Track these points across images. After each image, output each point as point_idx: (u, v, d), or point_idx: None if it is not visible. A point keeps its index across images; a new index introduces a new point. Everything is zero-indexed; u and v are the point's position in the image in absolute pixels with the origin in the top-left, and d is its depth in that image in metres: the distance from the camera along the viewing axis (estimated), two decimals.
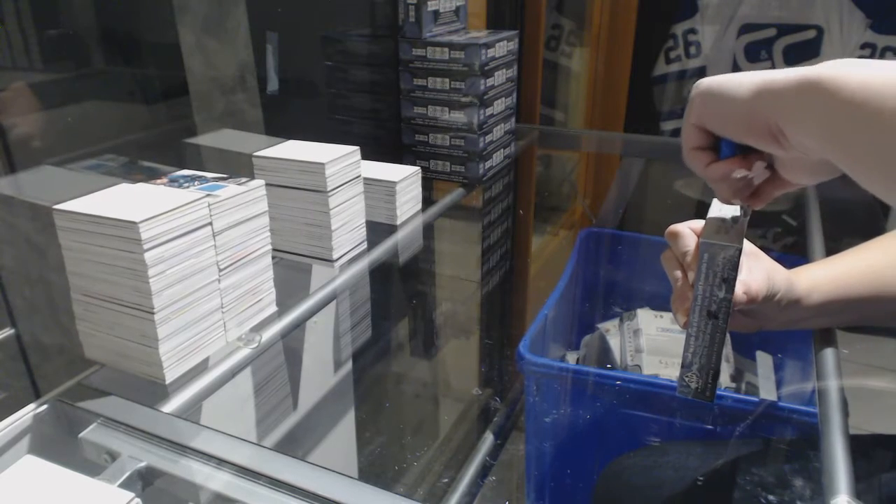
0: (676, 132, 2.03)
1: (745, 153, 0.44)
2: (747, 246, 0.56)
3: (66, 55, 0.70)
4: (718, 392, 0.50)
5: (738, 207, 0.49)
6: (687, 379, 0.50)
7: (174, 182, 0.60)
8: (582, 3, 2.03)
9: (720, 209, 0.49)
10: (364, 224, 0.80)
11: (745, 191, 0.46)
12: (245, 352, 0.61)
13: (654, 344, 1.05)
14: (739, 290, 0.53)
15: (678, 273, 0.54)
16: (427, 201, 0.93)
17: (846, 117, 0.35)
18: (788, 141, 0.39)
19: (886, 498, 0.58)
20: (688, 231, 0.55)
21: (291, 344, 0.79)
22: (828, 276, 0.61)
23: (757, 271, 0.56)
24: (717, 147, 0.45)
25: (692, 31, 1.93)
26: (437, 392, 1.31)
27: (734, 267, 0.47)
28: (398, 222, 0.85)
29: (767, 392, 1.01)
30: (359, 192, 0.77)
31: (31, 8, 0.64)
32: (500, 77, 1.05)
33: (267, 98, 0.91)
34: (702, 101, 0.44)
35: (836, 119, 0.36)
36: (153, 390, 0.55)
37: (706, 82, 0.43)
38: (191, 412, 0.55)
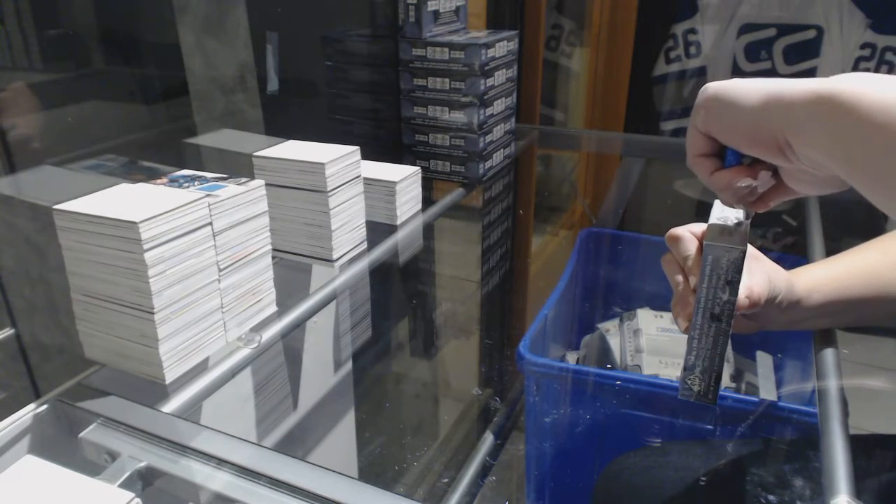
0: (676, 132, 2.03)
1: (751, 162, 0.44)
2: (748, 248, 0.55)
3: (66, 55, 0.70)
4: (719, 392, 0.50)
5: (741, 210, 0.49)
6: (689, 382, 0.50)
7: (174, 182, 0.60)
8: (582, 3, 2.03)
9: (722, 211, 0.49)
10: (364, 224, 0.80)
11: (749, 198, 0.46)
12: (245, 352, 0.61)
13: (654, 344, 1.05)
14: (742, 294, 0.53)
15: (679, 277, 0.54)
16: (427, 201, 0.93)
17: (863, 138, 0.34)
18: (796, 154, 0.39)
19: (886, 498, 0.58)
20: (688, 235, 0.54)
21: (291, 344, 0.79)
22: (828, 276, 0.61)
23: (758, 274, 0.56)
24: (723, 153, 0.45)
25: (692, 31, 1.93)
26: (437, 392, 1.31)
27: (738, 269, 0.47)
28: (398, 222, 0.85)
29: (767, 392, 1.01)
30: (359, 192, 0.77)
31: (31, 8, 0.64)
32: (500, 77, 1.05)
33: (267, 98, 0.91)
34: (708, 108, 0.43)
35: (851, 138, 0.35)
36: (153, 390, 0.55)
37: (713, 88, 0.43)
38: (191, 412, 0.55)
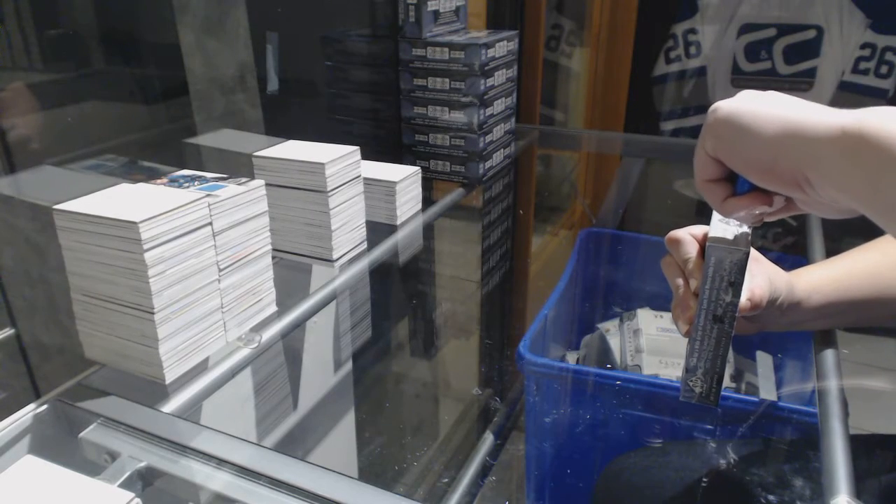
0: (676, 132, 2.03)
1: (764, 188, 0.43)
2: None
3: (66, 55, 0.70)
4: (720, 394, 0.50)
5: None
6: (691, 383, 0.50)
7: (174, 182, 0.60)
8: (582, 3, 2.03)
9: None
10: (364, 224, 0.80)
11: (759, 217, 0.45)
12: (245, 352, 0.61)
13: (654, 344, 1.05)
14: (743, 297, 0.52)
15: (679, 280, 0.53)
16: (427, 201, 0.93)
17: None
18: (814, 189, 0.37)
19: (886, 498, 0.58)
20: (689, 238, 0.53)
21: (291, 344, 0.79)
22: (828, 278, 0.61)
23: (759, 276, 0.55)
24: (733, 177, 0.44)
25: (692, 31, 1.93)
26: (437, 392, 1.31)
27: (741, 271, 0.47)
28: (398, 222, 0.85)
29: (767, 392, 1.01)
30: (359, 192, 0.77)
31: (31, 8, 0.64)
32: (500, 77, 1.05)
33: (267, 98, 0.91)
34: (718, 134, 0.41)
35: (886, 179, 0.33)
36: (153, 390, 0.55)
37: (724, 110, 0.40)
38: (191, 412, 0.55)
